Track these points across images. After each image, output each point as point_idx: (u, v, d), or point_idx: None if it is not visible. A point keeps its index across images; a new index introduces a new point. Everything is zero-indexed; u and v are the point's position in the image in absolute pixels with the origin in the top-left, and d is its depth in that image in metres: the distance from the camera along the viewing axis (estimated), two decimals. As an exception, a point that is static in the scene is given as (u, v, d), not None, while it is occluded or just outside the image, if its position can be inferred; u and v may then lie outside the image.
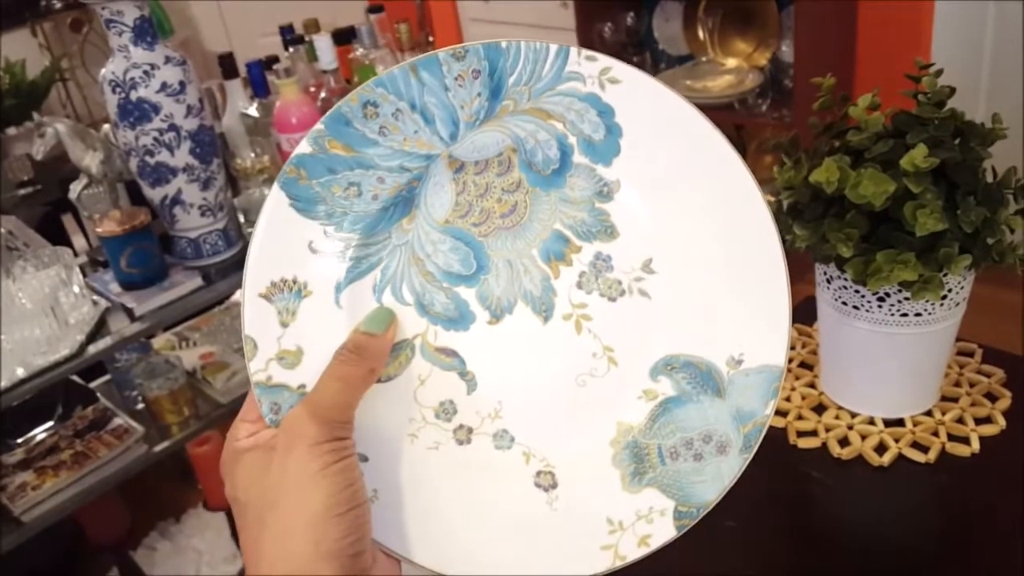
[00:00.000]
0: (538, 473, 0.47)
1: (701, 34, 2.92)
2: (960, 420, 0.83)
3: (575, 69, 0.43)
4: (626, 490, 0.46)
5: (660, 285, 0.45)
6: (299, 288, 0.45)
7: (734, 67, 2.82)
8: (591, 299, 0.46)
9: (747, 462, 0.45)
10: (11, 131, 2.42)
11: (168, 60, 1.38)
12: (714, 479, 0.45)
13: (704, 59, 2.91)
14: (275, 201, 0.45)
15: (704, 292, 0.45)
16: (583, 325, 0.46)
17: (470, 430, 0.47)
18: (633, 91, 0.43)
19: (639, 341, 0.46)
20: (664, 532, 0.45)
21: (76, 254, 1.55)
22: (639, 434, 0.46)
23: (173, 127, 1.40)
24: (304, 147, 0.44)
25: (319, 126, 0.44)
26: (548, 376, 0.47)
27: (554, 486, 0.47)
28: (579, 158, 0.45)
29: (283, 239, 0.45)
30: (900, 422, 0.84)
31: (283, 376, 0.45)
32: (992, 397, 0.86)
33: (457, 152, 0.45)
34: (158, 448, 1.57)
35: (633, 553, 0.45)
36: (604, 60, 0.43)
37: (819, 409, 0.88)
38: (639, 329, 0.46)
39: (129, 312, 1.45)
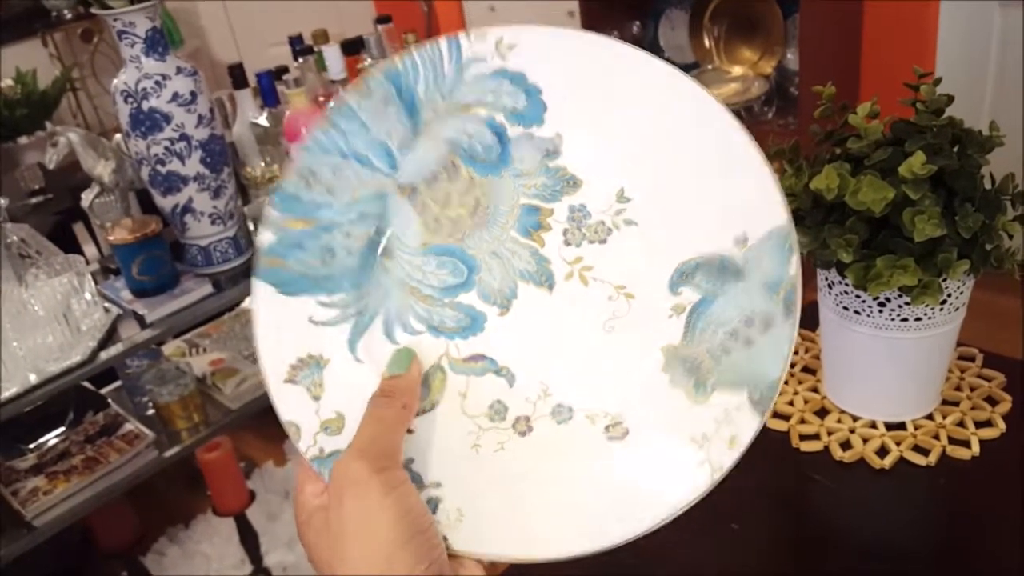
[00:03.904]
0: (607, 428, 0.47)
1: (707, 42, 2.93)
2: (961, 424, 0.84)
3: (471, 54, 0.44)
4: (696, 403, 0.45)
5: (641, 207, 0.46)
6: (316, 361, 0.47)
7: (740, 75, 2.83)
8: (583, 250, 0.46)
9: (796, 325, 0.43)
10: (23, 140, 2.45)
11: (179, 71, 1.40)
12: (773, 354, 0.44)
13: (710, 67, 2.92)
14: (262, 293, 0.46)
15: (684, 192, 0.45)
16: (587, 276, 0.47)
17: (527, 419, 0.47)
18: (532, 48, 0.44)
19: (645, 267, 0.46)
20: (748, 424, 0.44)
21: (88, 262, 1.56)
22: (684, 348, 0.46)
23: (184, 136, 1.42)
24: (267, 237, 0.45)
25: (273, 213, 0.45)
26: (576, 337, 0.47)
27: (627, 433, 0.46)
28: (513, 131, 0.45)
29: (283, 326, 0.46)
30: (901, 425, 0.85)
31: (333, 443, 0.46)
32: (992, 401, 0.87)
33: (404, 179, 0.46)
34: (168, 454, 1.58)
35: (728, 458, 0.44)
36: (493, 32, 0.44)
37: (821, 413, 0.89)
38: (640, 256, 0.46)
39: (140, 319, 1.47)
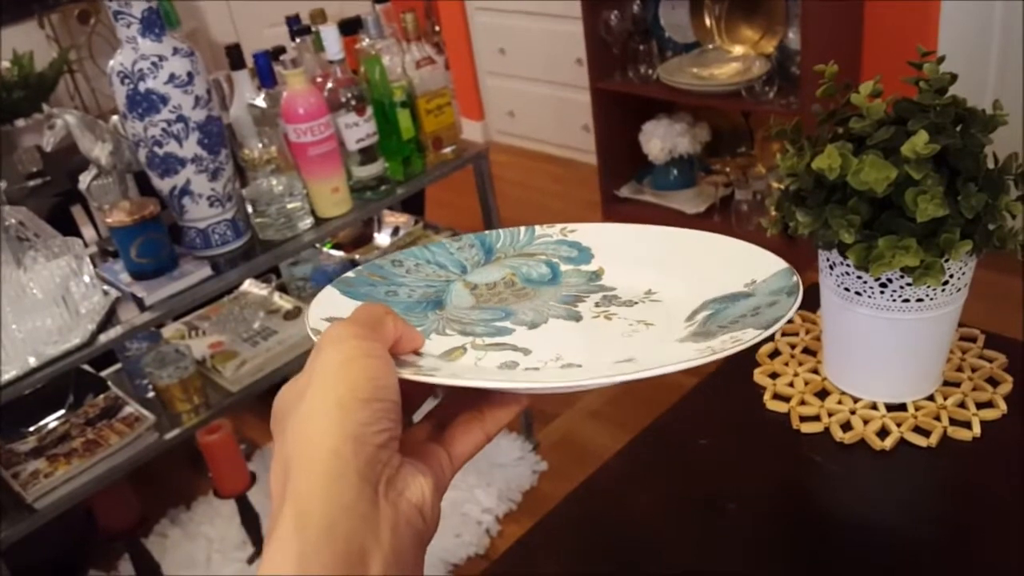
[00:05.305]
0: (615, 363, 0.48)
1: (708, 21, 2.91)
2: (962, 405, 0.84)
3: (541, 233, 0.60)
4: (699, 343, 0.47)
5: (665, 295, 0.54)
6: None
7: (741, 54, 2.81)
8: (611, 309, 0.54)
9: (799, 299, 0.47)
10: (20, 123, 2.44)
11: (176, 51, 1.39)
12: (778, 311, 0.46)
13: (711, 46, 2.90)
14: (327, 289, 0.53)
15: (702, 280, 0.53)
16: (612, 317, 0.53)
17: (536, 368, 0.49)
18: (586, 232, 0.59)
19: (664, 315, 0.52)
20: (752, 336, 0.45)
21: (86, 244, 1.56)
22: (696, 332, 0.49)
23: (181, 118, 1.41)
24: (349, 274, 0.56)
25: (359, 267, 0.56)
26: (596, 339, 0.51)
27: (632, 359, 0.48)
28: (565, 267, 0.58)
29: (331, 300, 0.53)
30: (902, 407, 0.85)
31: None
32: (994, 382, 0.86)
33: (469, 279, 0.58)
34: (168, 436, 1.59)
35: (728, 348, 0.44)
36: (558, 225, 0.60)
37: (822, 394, 0.89)
38: (661, 312, 0.53)
39: (139, 302, 1.47)
